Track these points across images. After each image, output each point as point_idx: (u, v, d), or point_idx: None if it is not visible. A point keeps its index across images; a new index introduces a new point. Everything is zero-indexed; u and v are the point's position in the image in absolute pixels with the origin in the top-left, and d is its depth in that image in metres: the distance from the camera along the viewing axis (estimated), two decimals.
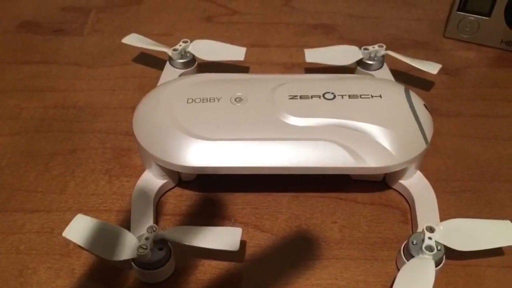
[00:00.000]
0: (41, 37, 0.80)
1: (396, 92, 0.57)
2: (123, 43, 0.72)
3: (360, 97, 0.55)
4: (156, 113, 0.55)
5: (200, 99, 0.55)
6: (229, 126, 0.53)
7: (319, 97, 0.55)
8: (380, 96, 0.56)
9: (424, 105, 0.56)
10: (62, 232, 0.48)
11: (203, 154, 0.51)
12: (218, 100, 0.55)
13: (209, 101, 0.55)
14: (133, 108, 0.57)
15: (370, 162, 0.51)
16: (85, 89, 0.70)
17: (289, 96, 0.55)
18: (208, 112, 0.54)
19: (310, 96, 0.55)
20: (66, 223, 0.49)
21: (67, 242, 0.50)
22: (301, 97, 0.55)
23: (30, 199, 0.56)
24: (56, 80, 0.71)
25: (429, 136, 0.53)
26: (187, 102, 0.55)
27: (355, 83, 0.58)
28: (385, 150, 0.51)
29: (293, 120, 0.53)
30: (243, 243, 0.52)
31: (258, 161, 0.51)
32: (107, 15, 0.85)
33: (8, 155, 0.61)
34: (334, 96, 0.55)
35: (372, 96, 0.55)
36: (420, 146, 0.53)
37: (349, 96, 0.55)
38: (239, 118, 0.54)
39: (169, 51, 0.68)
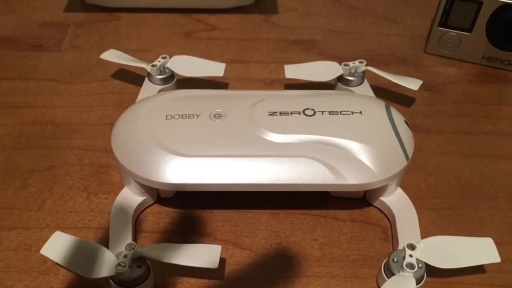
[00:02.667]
0: (19, 53, 0.79)
1: (376, 108, 0.57)
2: (102, 59, 0.71)
3: (341, 114, 0.55)
4: (135, 129, 0.54)
5: (179, 115, 0.55)
6: (208, 143, 0.53)
7: (299, 113, 0.55)
8: (361, 112, 0.55)
9: (405, 121, 0.56)
10: (40, 249, 0.47)
11: (182, 170, 0.51)
12: (197, 116, 0.55)
13: (188, 118, 0.55)
14: (111, 125, 0.57)
15: (351, 179, 0.51)
16: (63, 105, 0.69)
17: (269, 112, 0.55)
18: (187, 129, 0.54)
19: (290, 112, 0.55)
20: (44, 240, 0.48)
21: (45, 259, 0.50)
22: (280, 113, 0.55)
23: (8, 216, 0.55)
24: (34, 96, 0.71)
25: (410, 152, 0.53)
26: (166, 119, 0.55)
27: (336, 99, 0.58)
28: (365, 166, 0.51)
29: (272, 137, 0.53)
30: (222, 261, 0.51)
31: (238, 178, 0.51)
32: (85, 31, 0.84)
33: None
34: (314, 113, 0.55)
35: (352, 113, 0.55)
36: (400, 162, 0.52)
37: (329, 113, 0.55)
38: (218, 135, 0.53)
39: (147, 67, 0.67)
